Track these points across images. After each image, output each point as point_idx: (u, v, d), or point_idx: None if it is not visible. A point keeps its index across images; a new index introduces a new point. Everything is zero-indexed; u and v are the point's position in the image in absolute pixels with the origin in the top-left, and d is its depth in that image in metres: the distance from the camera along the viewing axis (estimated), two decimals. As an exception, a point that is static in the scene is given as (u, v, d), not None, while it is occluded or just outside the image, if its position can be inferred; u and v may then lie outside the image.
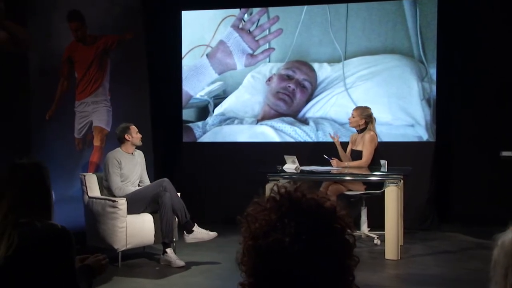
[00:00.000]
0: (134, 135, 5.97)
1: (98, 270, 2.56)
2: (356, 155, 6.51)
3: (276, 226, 1.38)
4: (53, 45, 6.35)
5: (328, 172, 6.38)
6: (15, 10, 5.51)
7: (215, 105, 8.12)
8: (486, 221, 7.17)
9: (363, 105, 6.74)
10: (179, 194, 5.86)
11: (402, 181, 5.99)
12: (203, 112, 8.19)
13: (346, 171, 6.40)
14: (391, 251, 5.80)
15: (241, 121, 8.04)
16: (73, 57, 6.58)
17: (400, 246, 5.98)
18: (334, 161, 6.48)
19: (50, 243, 2.19)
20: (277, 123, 7.91)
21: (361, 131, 6.50)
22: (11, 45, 5.30)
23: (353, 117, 6.51)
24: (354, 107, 6.67)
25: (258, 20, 8.00)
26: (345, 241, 1.41)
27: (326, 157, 6.52)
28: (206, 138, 8.15)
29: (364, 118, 6.45)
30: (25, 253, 2.15)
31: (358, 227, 6.70)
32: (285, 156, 6.49)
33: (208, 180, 8.04)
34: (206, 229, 5.79)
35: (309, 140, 7.81)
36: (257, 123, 7.99)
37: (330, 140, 7.63)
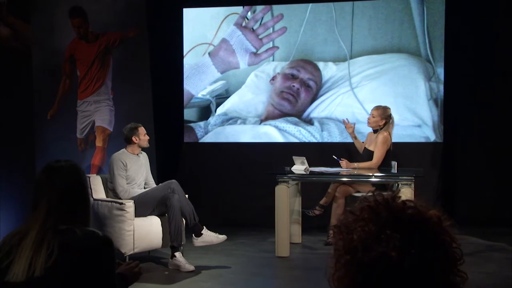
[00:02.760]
0: (142, 137, 5.78)
1: (131, 278, 2.41)
2: (368, 154, 6.37)
3: (380, 238, 1.22)
4: (56, 42, 6.17)
5: (338, 174, 6.24)
6: (17, 6, 5.31)
7: (217, 105, 7.96)
8: (494, 222, 7.10)
9: (375, 104, 6.57)
10: (186, 196, 5.71)
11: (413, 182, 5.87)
12: (205, 111, 8.01)
13: (355, 172, 6.27)
14: (405, 254, 5.65)
15: (244, 121, 7.88)
16: (75, 55, 6.40)
17: (412, 249, 5.85)
18: (343, 162, 6.34)
19: (93, 252, 2.03)
20: (281, 123, 7.76)
21: (376, 130, 6.35)
22: (14, 42, 5.11)
23: (373, 117, 6.34)
24: (374, 106, 6.46)
25: (262, 18, 7.84)
26: (452, 255, 1.27)
27: (336, 157, 6.38)
28: (208, 139, 7.98)
29: (385, 119, 6.30)
30: (66, 263, 1.98)
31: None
32: (294, 157, 6.35)
33: (210, 181, 7.87)
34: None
35: (314, 140, 7.66)
36: (260, 123, 7.83)
37: (335, 140, 7.53)
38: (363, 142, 6.63)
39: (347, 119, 6.74)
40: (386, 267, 1.20)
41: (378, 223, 1.25)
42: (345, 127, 6.63)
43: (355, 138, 6.60)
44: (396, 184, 6.22)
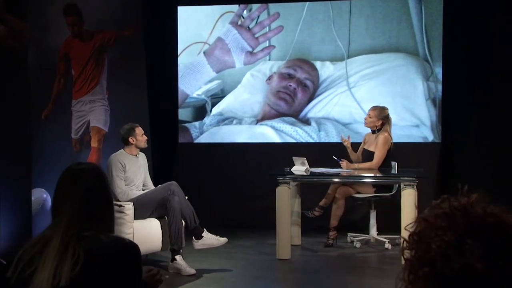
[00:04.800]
0: (139, 137, 5.64)
1: (152, 286, 2.30)
2: (368, 155, 6.31)
3: (462, 248, 1.13)
4: (50, 41, 6.03)
5: (339, 174, 6.16)
6: (13, 4, 5.17)
7: (213, 105, 7.83)
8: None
9: (373, 104, 6.51)
10: (186, 197, 5.60)
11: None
12: (200, 111, 7.89)
13: (356, 173, 6.20)
14: (408, 256, 5.58)
15: (240, 121, 7.77)
16: (69, 54, 6.25)
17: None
18: (343, 163, 6.26)
19: (119, 259, 1.91)
20: (277, 123, 7.65)
21: (375, 131, 6.29)
22: (11, 40, 4.96)
23: (370, 117, 6.29)
24: (371, 106, 6.41)
25: (258, 16, 7.73)
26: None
27: (336, 158, 6.30)
28: (203, 139, 7.85)
29: (382, 119, 6.25)
30: (92, 271, 1.86)
31: (366, 230, 6.52)
32: (294, 158, 6.25)
33: (205, 182, 7.74)
34: None
35: (311, 141, 7.57)
36: (256, 123, 7.72)
37: (333, 140, 7.44)
38: (359, 148, 6.56)
39: (344, 135, 6.63)
40: (471, 279, 1.11)
41: (457, 232, 1.16)
42: (342, 141, 6.55)
43: (351, 151, 6.50)
44: (397, 185, 6.17)
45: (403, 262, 1.25)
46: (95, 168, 2.09)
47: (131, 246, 1.97)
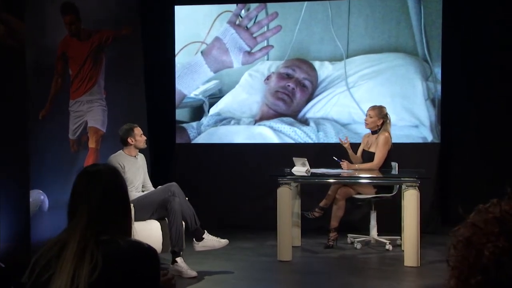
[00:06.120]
0: (138, 138, 5.56)
1: None
2: (368, 156, 6.26)
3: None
4: (49, 41, 5.93)
5: (339, 175, 6.12)
6: (12, 2, 5.09)
7: (211, 105, 7.77)
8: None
9: (372, 104, 6.47)
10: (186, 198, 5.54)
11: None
12: (198, 112, 7.82)
13: (356, 174, 6.16)
14: (410, 257, 5.56)
15: (238, 122, 7.71)
16: (67, 53, 6.16)
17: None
18: (344, 164, 6.22)
19: (138, 264, 1.85)
20: (276, 123, 7.60)
21: (375, 131, 6.24)
22: (10, 40, 4.88)
23: (370, 117, 6.24)
24: (370, 106, 6.36)
25: (256, 16, 7.68)
26: None
27: (336, 159, 6.25)
28: (201, 139, 7.78)
29: (382, 118, 6.21)
30: (111, 276, 1.80)
31: (367, 231, 6.47)
32: (294, 159, 6.20)
33: (203, 183, 7.67)
34: None
35: (310, 141, 7.52)
36: (255, 124, 7.67)
37: (331, 141, 7.40)
38: (359, 149, 6.51)
39: (342, 137, 6.58)
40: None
41: (510, 238, 1.11)
42: (341, 143, 6.49)
43: (352, 152, 6.44)
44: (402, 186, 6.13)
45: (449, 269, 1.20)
46: (112, 169, 2.03)
47: (150, 251, 1.90)
